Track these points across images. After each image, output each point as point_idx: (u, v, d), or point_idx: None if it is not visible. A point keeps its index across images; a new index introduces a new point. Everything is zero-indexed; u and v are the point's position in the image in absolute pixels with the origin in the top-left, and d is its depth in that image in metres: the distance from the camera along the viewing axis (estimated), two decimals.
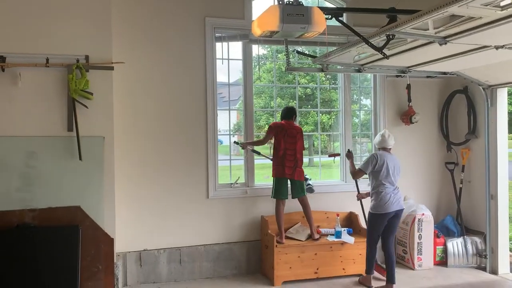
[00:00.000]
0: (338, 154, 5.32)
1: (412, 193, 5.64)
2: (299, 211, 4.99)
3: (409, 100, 5.49)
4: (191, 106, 4.89)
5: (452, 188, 5.66)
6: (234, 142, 5.08)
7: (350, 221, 5.28)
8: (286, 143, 4.74)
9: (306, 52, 5.16)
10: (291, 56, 5.32)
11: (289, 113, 4.94)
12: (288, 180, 4.77)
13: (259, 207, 5.10)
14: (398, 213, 4.49)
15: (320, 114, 13.07)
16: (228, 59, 5.08)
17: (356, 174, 4.80)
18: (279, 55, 10.10)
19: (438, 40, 3.38)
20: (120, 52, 4.36)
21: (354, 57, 4.37)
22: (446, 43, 3.40)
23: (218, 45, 5.00)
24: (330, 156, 5.27)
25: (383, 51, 3.34)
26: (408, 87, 5.46)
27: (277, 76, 12.09)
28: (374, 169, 4.54)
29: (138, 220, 4.70)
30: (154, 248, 4.77)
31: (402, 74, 5.08)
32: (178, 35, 4.84)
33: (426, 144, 5.77)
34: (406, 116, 5.49)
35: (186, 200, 4.87)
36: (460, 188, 5.55)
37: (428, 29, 3.22)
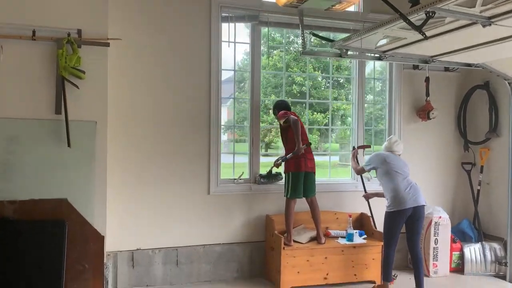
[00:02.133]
0: (369, 146, 4.94)
1: (426, 194, 5.23)
2: (305, 211, 4.56)
3: (427, 94, 5.10)
4: (193, 93, 4.43)
5: (468, 190, 5.28)
6: (279, 160, 4.45)
7: (361, 223, 4.88)
8: (302, 134, 4.32)
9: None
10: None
11: (287, 105, 4.54)
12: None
13: (264, 205, 4.67)
14: (417, 210, 4.10)
15: (315, 113, 12.69)
16: (235, 42, 4.64)
17: (358, 171, 4.60)
18: (274, 52, 9.70)
19: (481, 21, 2.99)
20: (116, 28, 3.90)
21: (377, 42, 3.96)
22: (490, 25, 3.01)
23: (224, 26, 4.56)
24: (359, 148, 4.88)
25: (421, 30, 2.93)
26: (427, 80, 5.07)
27: (272, 75, 11.73)
28: (377, 166, 4.28)
29: (131, 216, 4.24)
30: (149, 248, 4.31)
31: (423, 65, 4.68)
32: (182, 12, 4.37)
33: (442, 142, 5.39)
34: (424, 112, 5.10)
35: (185, 196, 4.41)
36: (478, 191, 5.18)
37: (473, 7, 2.83)
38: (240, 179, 4.63)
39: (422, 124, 5.23)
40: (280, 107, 4.47)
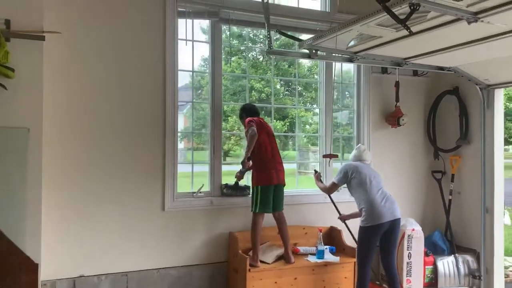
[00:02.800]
0: (336, 156, 4.52)
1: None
2: (270, 226, 4.14)
3: (397, 99, 4.85)
4: (145, 97, 3.93)
5: (439, 200, 5.06)
6: (236, 177, 4.15)
7: (331, 237, 4.52)
8: (271, 142, 3.93)
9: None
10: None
11: (257, 110, 4.14)
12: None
13: (227, 221, 4.22)
14: (394, 224, 3.79)
15: (274, 120, 12.49)
16: (193, 41, 4.19)
17: (330, 189, 4.13)
18: (232, 59, 9.35)
19: (467, 17, 2.72)
20: (54, 20, 3.39)
21: (349, 42, 3.63)
22: (476, 21, 2.74)
23: (181, 22, 4.10)
24: (325, 157, 4.50)
25: (406, 24, 2.61)
26: (397, 84, 4.83)
27: (230, 79, 11.39)
28: (350, 178, 3.92)
29: (72, 238, 3.68)
30: (93, 274, 3.74)
31: (393, 68, 4.44)
32: (132, 5, 3.88)
33: (412, 150, 5.15)
34: (393, 118, 4.84)
35: (136, 214, 3.89)
36: (449, 200, 4.97)
37: (460, 0, 2.55)
38: (200, 192, 4.16)
39: (390, 131, 4.97)
40: (248, 113, 4.05)
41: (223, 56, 4.38)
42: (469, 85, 4.72)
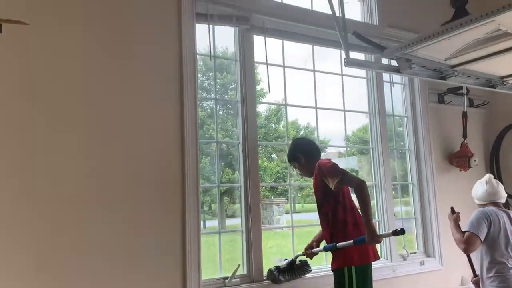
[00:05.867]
0: None
1: (461, 267, 3.81)
2: None
3: (465, 135, 3.84)
4: (153, 137, 2.57)
5: None
6: (306, 255, 2.83)
7: None
8: (350, 199, 2.65)
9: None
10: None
11: (320, 150, 2.89)
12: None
13: None
14: None
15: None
16: (215, 56, 2.94)
17: (467, 242, 2.78)
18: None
19: None
20: (21, 10, 2.05)
21: (453, 51, 2.56)
22: None
23: (202, 30, 2.85)
24: None
25: None
26: (465, 115, 3.82)
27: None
28: (489, 233, 2.77)
29: None
30: None
31: (485, 88, 3.42)
32: (137, 4, 2.61)
33: None
34: (463, 158, 3.79)
35: None
36: None
37: None
38: (235, 278, 2.76)
39: (457, 175, 3.90)
40: (310, 154, 2.75)
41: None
42: None
